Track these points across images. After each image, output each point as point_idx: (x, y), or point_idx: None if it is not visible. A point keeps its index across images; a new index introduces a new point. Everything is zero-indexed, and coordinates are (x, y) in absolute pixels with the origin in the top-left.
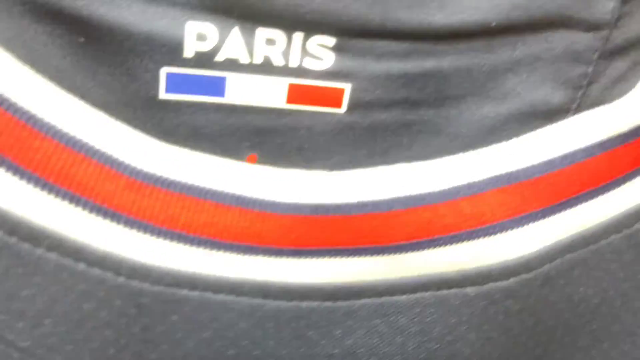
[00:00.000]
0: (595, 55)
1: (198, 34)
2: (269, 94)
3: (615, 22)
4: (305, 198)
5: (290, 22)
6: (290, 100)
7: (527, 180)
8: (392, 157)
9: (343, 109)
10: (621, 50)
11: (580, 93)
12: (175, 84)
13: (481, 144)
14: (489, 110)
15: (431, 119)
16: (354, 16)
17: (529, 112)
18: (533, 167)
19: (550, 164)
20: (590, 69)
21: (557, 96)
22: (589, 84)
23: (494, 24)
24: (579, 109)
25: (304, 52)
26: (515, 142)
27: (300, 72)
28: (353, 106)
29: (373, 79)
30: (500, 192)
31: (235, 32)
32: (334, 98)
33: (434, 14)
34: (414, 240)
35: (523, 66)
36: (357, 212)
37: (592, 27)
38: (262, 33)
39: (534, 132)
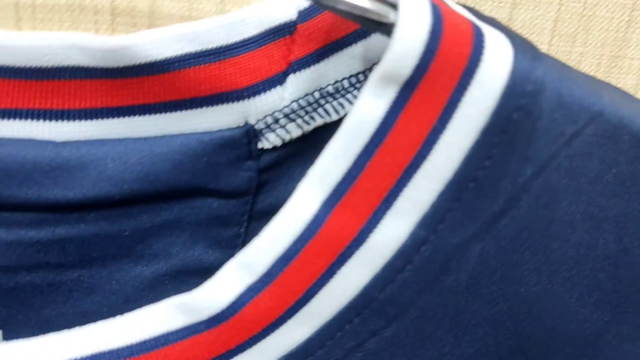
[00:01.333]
0: (245, 218)
1: None
2: None
3: (257, 188)
4: None
5: None
6: None
7: (137, 357)
8: (47, 314)
9: None
10: (273, 210)
11: (236, 252)
12: None
13: (141, 301)
14: (143, 269)
15: (81, 278)
16: None
17: (184, 270)
18: (140, 343)
19: (157, 340)
20: (242, 230)
21: (211, 255)
22: (244, 242)
23: (117, 197)
24: None
25: None
26: (131, 316)
27: None
28: None
29: (6, 246)
30: None
31: None
32: None
33: (50, 189)
34: None
35: (169, 229)
36: None
37: (231, 195)
38: None
39: (149, 306)
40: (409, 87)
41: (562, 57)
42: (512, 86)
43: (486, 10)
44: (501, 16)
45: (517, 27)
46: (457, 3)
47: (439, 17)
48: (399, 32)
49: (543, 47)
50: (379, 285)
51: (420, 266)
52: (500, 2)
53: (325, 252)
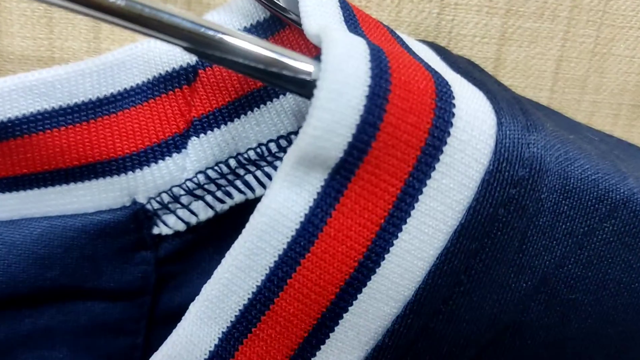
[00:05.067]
0: (142, 324)
1: None
2: None
3: (158, 285)
4: None
5: None
6: None
7: None
8: None
9: None
10: (182, 312)
11: None
12: None
13: None
14: None
15: None
16: None
17: None
18: None
19: None
20: (139, 340)
21: None
22: (144, 356)
23: None
24: None
25: None
26: None
27: None
28: None
29: None
30: None
31: None
32: None
33: None
34: None
35: (38, 341)
36: None
37: (119, 296)
38: None
39: None
40: (342, 174)
41: (569, 108)
42: (497, 171)
43: (466, 47)
44: (487, 54)
45: (507, 69)
46: (421, 40)
47: (384, 71)
48: (320, 95)
49: (543, 96)
50: None
51: None
52: (484, 37)
53: None
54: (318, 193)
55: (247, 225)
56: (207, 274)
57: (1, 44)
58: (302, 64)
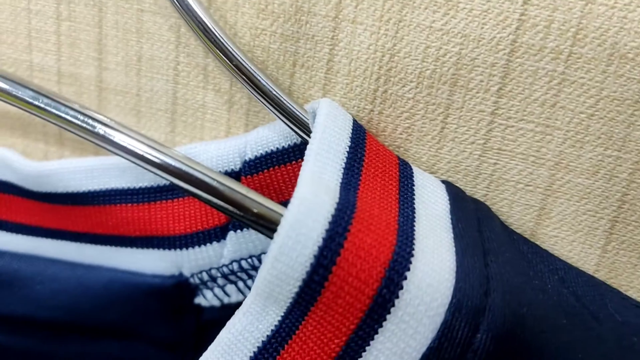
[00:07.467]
0: None
1: None
2: None
3: (196, 345)
4: None
5: None
6: None
7: None
8: None
9: None
10: None
11: None
12: None
13: None
14: None
15: None
16: None
17: None
18: None
19: None
20: None
21: None
22: None
23: (41, 321)
24: None
25: None
26: None
27: None
28: None
29: None
30: None
31: None
32: None
33: None
34: None
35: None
36: None
37: (165, 345)
38: None
39: None
40: (295, 313)
41: (624, 272)
42: None
43: (507, 191)
44: (530, 202)
45: (553, 219)
46: (444, 181)
47: (338, 236)
48: (275, 247)
49: (593, 253)
50: None
51: None
52: (529, 184)
53: None
54: (275, 326)
55: (217, 337)
56: None
57: None
58: (268, 211)
